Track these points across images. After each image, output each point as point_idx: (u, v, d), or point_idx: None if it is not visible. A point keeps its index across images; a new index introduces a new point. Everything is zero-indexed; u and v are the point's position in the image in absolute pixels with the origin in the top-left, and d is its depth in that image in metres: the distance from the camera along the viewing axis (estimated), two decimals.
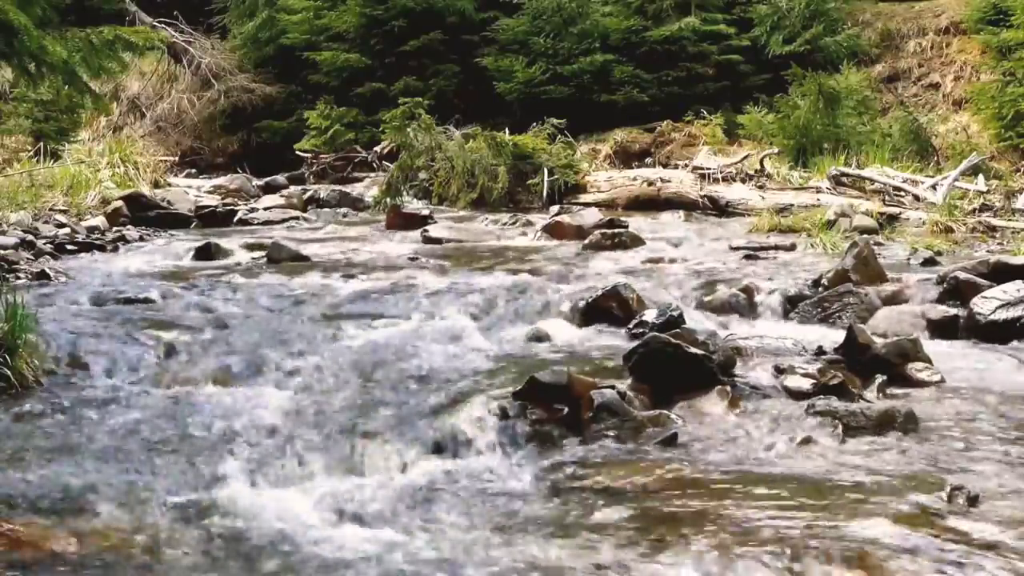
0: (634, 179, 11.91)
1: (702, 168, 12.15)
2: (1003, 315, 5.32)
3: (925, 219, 8.95)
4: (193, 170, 17.02)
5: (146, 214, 10.40)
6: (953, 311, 5.53)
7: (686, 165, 12.78)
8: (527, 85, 15.91)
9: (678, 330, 4.81)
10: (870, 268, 6.24)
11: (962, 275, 5.83)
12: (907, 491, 3.24)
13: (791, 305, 5.96)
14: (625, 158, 14.65)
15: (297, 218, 11.04)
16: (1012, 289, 5.44)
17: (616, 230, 8.52)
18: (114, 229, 9.58)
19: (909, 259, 7.39)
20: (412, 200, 11.79)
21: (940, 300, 5.76)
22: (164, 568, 2.88)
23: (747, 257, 7.59)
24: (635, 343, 4.59)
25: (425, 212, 10.47)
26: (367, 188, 13.36)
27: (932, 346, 4.93)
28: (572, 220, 9.27)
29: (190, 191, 12.70)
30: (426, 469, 3.67)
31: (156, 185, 12.39)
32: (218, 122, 18.56)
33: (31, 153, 12.36)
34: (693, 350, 4.32)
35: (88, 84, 7.89)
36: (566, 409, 3.98)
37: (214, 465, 3.59)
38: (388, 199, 11.73)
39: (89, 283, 6.67)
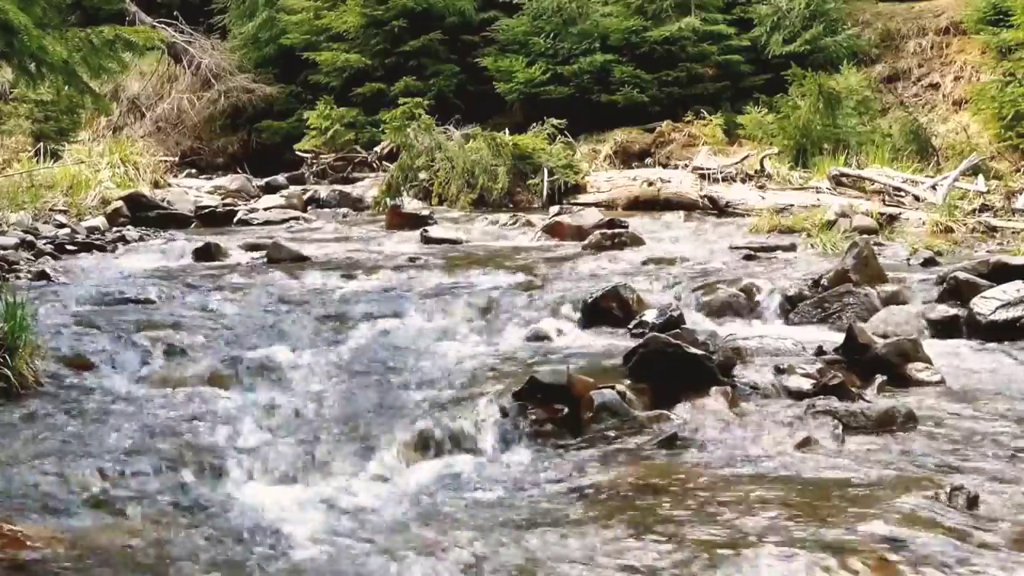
0: (634, 179, 11.92)
1: (702, 168, 12.17)
2: (1003, 315, 5.32)
3: (925, 219, 8.94)
4: (193, 170, 17.04)
5: (146, 214, 10.41)
6: (953, 311, 5.53)
7: (686, 165, 12.80)
8: (527, 85, 15.91)
9: (678, 330, 4.81)
10: (870, 268, 6.24)
11: (962, 275, 5.83)
12: (907, 491, 3.24)
13: (791, 305, 5.96)
14: (625, 158, 14.64)
15: (297, 218, 11.03)
16: (1012, 289, 5.44)
17: (616, 230, 8.51)
18: (114, 229, 9.59)
19: (909, 259, 7.39)
20: (412, 200, 11.79)
21: (940, 300, 5.76)
22: (164, 568, 2.88)
23: (747, 257, 7.59)
24: (635, 343, 4.59)
25: (425, 212, 10.46)
26: (367, 188, 13.36)
27: (932, 346, 4.93)
28: (572, 220, 9.26)
29: (190, 191, 12.71)
30: (426, 469, 3.67)
31: (156, 185, 12.40)
32: (218, 122, 18.57)
33: (31, 153, 12.36)
34: (693, 350, 4.32)
35: (88, 84, 7.90)
36: (566, 409, 3.98)
37: (214, 465, 3.59)
38: (388, 199, 11.75)
39: (89, 283, 6.66)
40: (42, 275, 6.89)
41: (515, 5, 16.77)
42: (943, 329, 5.43)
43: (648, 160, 14.52)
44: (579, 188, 11.84)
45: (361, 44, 17.41)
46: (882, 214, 9.27)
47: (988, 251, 7.68)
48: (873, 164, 11.36)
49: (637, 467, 3.59)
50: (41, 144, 12.62)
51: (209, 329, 5.33)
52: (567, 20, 16.14)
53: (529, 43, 16.31)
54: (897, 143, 12.43)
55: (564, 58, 16.00)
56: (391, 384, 4.49)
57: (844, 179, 10.79)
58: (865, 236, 7.44)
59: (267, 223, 10.64)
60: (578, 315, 5.75)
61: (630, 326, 5.44)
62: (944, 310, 5.57)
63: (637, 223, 9.38)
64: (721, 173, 11.99)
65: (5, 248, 7.66)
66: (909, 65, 15.55)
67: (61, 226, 9.32)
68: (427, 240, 8.89)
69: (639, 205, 11.24)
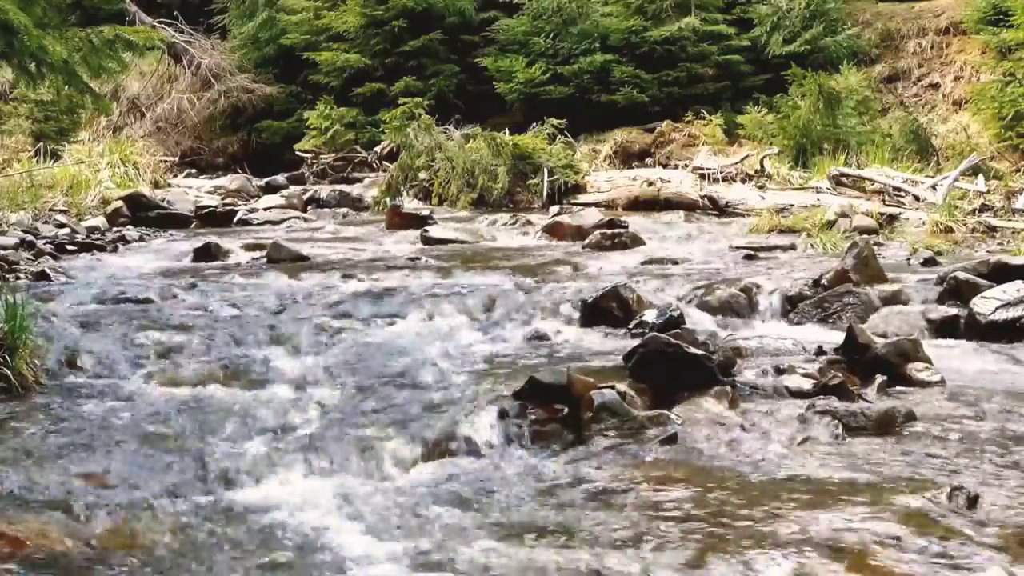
0: (634, 179, 11.91)
1: (702, 168, 12.17)
2: (1003, 315, 5.32)
3: (925, 219, 8.95)
4: (193, 170, 17.04)
5: (146, 214, 10.43)
6: (953, 311, 5.53)
7: (686, 165, 12.80)
8: (527, 85, 15.91)
9: (678, 330, 4.82)
10: (870, 268, 6.24)
11: (962, 275, 5.83)
12: (907, 491, 3.24)
13: (791, 305, 5.96)
14: (625, 158, 14.64)
15: (297, 218, 11.05)
16: (1012, 289, 5.44)
17: (616, 230, 8.52)
18: (114, 229, 9.60)
19: (909, 259, 7.39)
20: (412, 200, 11.80)
21: (940, 300, 5.76)
22: (165, 567, 2.88)
23: (747, 257, 7.59)
24: (635, 343, 4.59)
25: (425, 212, 10.47)
26: (367, 188, 13.37)
27: (932, 346, 4.93)
28: (572, 220, 9.27)
29: (190, 191, 12.73)
30: (425, 470, 3.67)
31: (156, 185, 12.42)
32: (218, 122, 18.57)
33: (31, 153, 12.37)
34: (693, 350, 4.32)
35: (88, 84, 7.90)
36: (566, 409, 3.98)
37: (213, 465, 3.59)
38: (388, 199, 11.76)
39: (89, 283, 6.67)
40: (42, 275, 6.90)
41: (515, 5, 16.77)
42: (943, 329, 5.43)
43: (648, 160, 14.52)
44: (579, 188, 11.84)
45: (361, 44, 17.41)
46: (882, 214, 9.28)
47: (988, 251, 7.68)
48: (873, 164, 11.36)
49: (637, 467, 3.59)
50: (41, 144, 12.63)
51: (209, 329, 5.33)
52: (567, 20, 16.14)
53: (529, 43, 16.31)
54: (897, 143, 12.43)
55: (564, 58, 16.00)
56: (390, 384, 4.49)
57: (844, 179, 10.79)
58: (865, 236, 7.44)
59: (267, 223, 10.65)
60: (578, 315, 5.75)
61: (630, 326, 5.44)
62: (944, 310, 5.57)
63: (637, 223, 9.38)
64: (721, 173, 12.00)
65: (5, 248, 7.67)
66: (909, 65, 15.55)
67: (61, 226, 9.33)
68: (427, 240, 8.89)
69: (639, 205, 11.24)
